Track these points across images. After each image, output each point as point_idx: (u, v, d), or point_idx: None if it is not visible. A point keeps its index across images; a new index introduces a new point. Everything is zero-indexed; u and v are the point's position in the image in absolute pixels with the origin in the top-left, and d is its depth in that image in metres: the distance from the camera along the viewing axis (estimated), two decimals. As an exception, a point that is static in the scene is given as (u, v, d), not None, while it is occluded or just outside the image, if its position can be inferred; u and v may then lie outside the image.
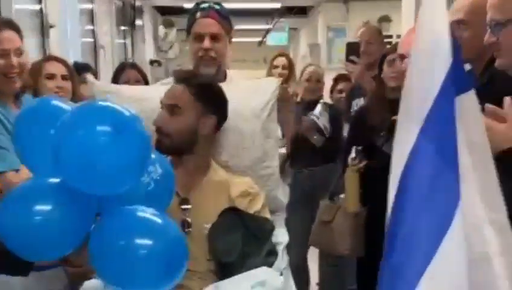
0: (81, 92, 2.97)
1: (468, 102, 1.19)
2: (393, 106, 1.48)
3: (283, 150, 2.73)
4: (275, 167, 2.25)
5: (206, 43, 2.44)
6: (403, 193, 1.15)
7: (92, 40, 6.87)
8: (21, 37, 2.44)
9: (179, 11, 10.59)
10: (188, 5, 10.29)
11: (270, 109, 2.28)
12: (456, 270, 1.10)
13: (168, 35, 10.84)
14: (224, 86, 2.23)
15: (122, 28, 8.70)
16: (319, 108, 3.71)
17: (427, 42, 1.19)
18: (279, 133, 2.51)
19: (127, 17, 8.84)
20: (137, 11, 9.30)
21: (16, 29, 2.43)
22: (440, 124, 1.14)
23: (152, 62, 9.98)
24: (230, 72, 2.62)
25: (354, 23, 8.47)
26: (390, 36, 7.50)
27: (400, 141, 1.21)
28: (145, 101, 2.22)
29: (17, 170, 2.20)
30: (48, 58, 3.20)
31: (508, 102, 1.55)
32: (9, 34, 2.38)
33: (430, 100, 1.14)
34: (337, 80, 4.45)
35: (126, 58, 8.73)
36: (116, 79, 3.57)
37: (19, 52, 2.39)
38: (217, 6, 2.52)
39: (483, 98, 1.54)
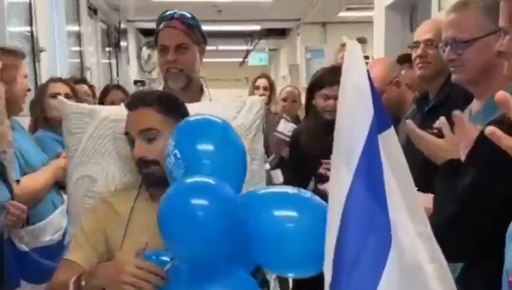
0: (51, 113, 3.03)
1: (389, 137, 1.25)
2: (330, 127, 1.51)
3: (267, 166, 2.63)
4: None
5: (171, 55, 2.32)
6: (344, 234, 1.19)
7: (78, 60, 7.10)
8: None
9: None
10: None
11: (256, 129, 2.14)
12: None
13: (152, 56, 11.09)
14: (207, 104, 2.19)
15: (107, 49, 8.94)
16: (281, 123, 3.40)
17: (351, 93, 1.25)
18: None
19: (112, 38, 9.09)
20: (122, 33, 9.55)
21: (19, 55, 2.68)
22: (369, 162, 1.20)
23: (136, 82, 10.21)
24: (210, 91, 2.50)
25: (332, 45, 8.79)
26: (367, 57, 7.81)
27: (337, 182, 1.26)
28: (122, 122, 1.95)
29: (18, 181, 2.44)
30: (52, 79, 3.40)
31: (442, 120, 1.70)
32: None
33: (360, 144, 1.20)
34: None
35: (111, 78, 8.97)
36: (101, 101, 3.79)
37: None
38: (182, 14, 2.37)
39: (440, 113, 1.80)
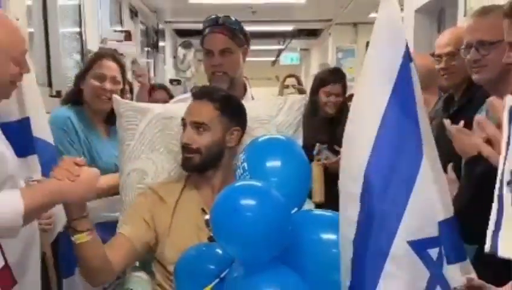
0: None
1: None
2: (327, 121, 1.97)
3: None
4: None
5: (215, 59, 2.41)
6: (377, 154, 1.27)
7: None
8: (122, 70, 2.68)
9: (196, 32, 11.20)
10: (207, 28, 10.93)
11: (296, 125, 2.28)
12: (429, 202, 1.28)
13: (187, 56, 11.40)
14: (252, 103, 2.27)
15: (146, 49, 9.30)
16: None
17: (384, 27, 1.37)
18: None
19: (150, 39, 9.44)
20: (159, 34, 9.90)
21: (118, 62, 2.71)
22: (404, 85, 1.29)
23: (172, 81, 10.54)
24: (251, 91, 2.61)
25: (362, 45, 9.02)
26: None
27: (370, 102, 1.32)
28: (172, 118, 2.18)
29: None
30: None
31: (447, 122, 1.90)
32: (110, 63, 2.66)
33: (396, 67, 1.28)
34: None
35: (149, 77, 9.32)
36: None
37: (114, 81, 2.66)
38: (226, 19, 2.46)
39: (462, 116, 1.99)
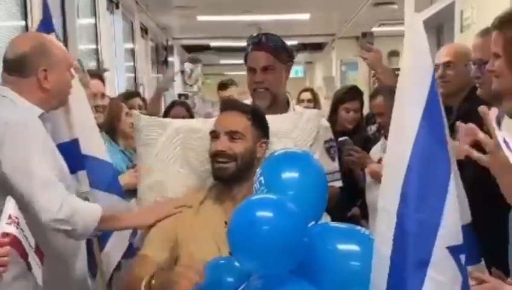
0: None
1: None
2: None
3: (337, 184, 2.76)
4: None
5: (257, 76, 2.47)
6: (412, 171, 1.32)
7: (133, 75, 7.74)
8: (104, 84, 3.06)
9: (203, 48, 11.52)
10: (214, 43, 11.24)
11: (313, 140, 2.26)
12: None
13: (194, 71, 11.68)
14: (269, 117, 2.22)
15: (156, 65, 9.60)
16: None
17: (412, 53, 1.43)
18: (329, 166, 2.51)
19: (160, 55, 9.74)
20: (168, 50, 10.21)
21: (101, 78, 3.12)
22: (432, 107, 1.35)
23: (180, 96, 10.81)
24: (296, 107, 2.67)
25: (365, 57, 9.25)
26: (398, 69, 8.20)
27: (403, 122, 1.38)
28: (192, 132, 2.20)
29: None
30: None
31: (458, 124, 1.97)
32: (96, 82, 2.99)
33: (426, 89, 1.35)
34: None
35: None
36: (166, 114, 4.04)
37: (103, 96, 3.05)
38: (269, 37, 2.51)
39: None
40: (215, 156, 2.01)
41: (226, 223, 1.80)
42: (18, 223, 1.67)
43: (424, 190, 1.33)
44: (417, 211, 1.32)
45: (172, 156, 2.18)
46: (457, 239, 1.32)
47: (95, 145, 2.45)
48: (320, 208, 1.76)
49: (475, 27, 3.60)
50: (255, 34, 2.57)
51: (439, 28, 5.07)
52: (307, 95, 5.17)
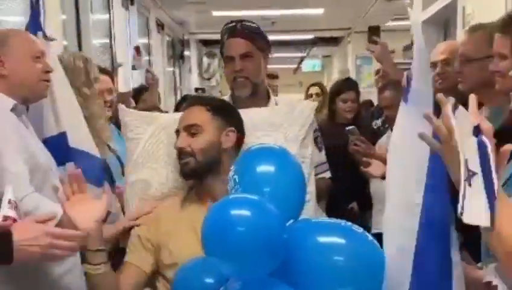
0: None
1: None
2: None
3: (327, 175, 2.70)
4: (310, 192, 2.05)
5: (236, 64, 2.36)
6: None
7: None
8: (112, 79, 3.08)
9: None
10: (230, 38, 11.31)
11: (305, 133, 2.17)
12: None
13: (211, 65, 11.78)
14: (257, 110, 2.19)
15: (172, 59, 9.72)
16: None
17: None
18: (316, 157, 2.41)
19: (176, 50, 9.86)
20: (185, 44, 10.32)
21: (109, 74, 3.12)
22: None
23: (197, 90, 10.90)
24: (276, 98, 2.55)
25: (380, 52, 9.24)
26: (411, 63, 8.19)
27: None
28: (174, 127, 2.05)
29: None
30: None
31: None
32: (104, 78, 2.94)
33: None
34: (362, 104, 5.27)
35: (175, 86, 9.75)
36: (177, 108, 4.06)
37: (111, 91, 3.02)
38: (245, 24, 2.41)
39: None
40: (178, 155, 1.96)
41: None
42: (16, 207, 1.75)
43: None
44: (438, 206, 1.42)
45: (157, 152, 2.11)
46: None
47: (81, 138, 2.48)
48: (298, 205, 1.66)
49: (476, 23, 3.63)
50: (231, 23, 2.44)
51: (446, 23, 5.10)
52: (315, 90, 5.25)
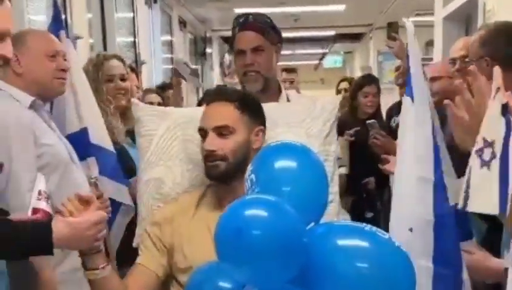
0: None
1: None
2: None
3: (342, 170, 2.67)
4: (334, 193, 1.97)
5: (247, 57, 2.30)
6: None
7: (170, 67, 7.95)
8: (125, 66, 2.93)
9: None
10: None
11: (329, 129, 2.06)
12: None
13: (233, 62, 11.83)
14: (279, 105, 2.14)
15: (194, 56, 9.82)
16: None
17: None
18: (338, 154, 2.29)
19: (199, 47, 9.95)
20: (207, 42, 10.41)
21: (121, 59, 3.02)
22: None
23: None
24: (288, 92, 2.50)
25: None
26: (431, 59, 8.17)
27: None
28: (192, 123, 1.96)
29: None
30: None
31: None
32: (114, 62, 2.90)
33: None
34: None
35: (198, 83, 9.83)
36: (200, 104, 4.30)
37: (124, 78, 2.89)
38: (256, 17, 2.37)
39: None
40: (205, 157, 1.81)
41: None
42: (48, 198, 1.79)
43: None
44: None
45: (171, 149, 2.01)
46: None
47: (100, 134, 2.56)
48: (320, 207, 1.54)
49: (496, 19, 3.66)
50: (242, 17, 2.38)
51: (467, 19, 5.10)
52: (344, 85, 5.26)
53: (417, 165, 1.58)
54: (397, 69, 4.39)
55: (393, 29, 4.21)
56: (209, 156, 1.79)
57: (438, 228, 1.54)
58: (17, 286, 1.79)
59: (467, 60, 2.22)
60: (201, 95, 9.06)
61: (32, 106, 2.16)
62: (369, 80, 4.20)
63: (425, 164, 1.57)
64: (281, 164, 1.53)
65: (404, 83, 4.23)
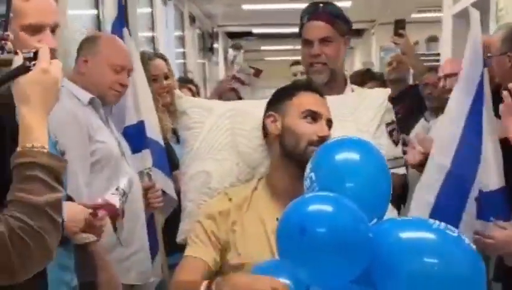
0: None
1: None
2: None
3: (400, 171, 2.40)
4: None
5: (314, 48, 2.24)
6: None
7: (182, 61, 8.15)
8: (168, 64, 3.08)
9: (246, 34, 11.88)
10: (256, 30, 11.57)
11: (379, 122, 2.03)
12: None
13: (237, 58, 11.99)
14: (327, 98, 1.98)
15: (201, 51, 10.00)
16: None
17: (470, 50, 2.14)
18: (391, 151, 2.22)
19: (205, 42, 10.13)
20: (214, 36, 10.59)
21: (164, 58, 3.15)
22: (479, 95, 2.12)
23: (223, 82, 11.13)
24: (353, 86, 2.41)
25: (404, 44, 9.45)
26: (438, 54, 8.33)
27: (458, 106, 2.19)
28: (242, 116, 1.96)
29: None
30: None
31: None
32: (159, 62, 3.04)
33: (476, 79, 2.10)
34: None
35: (205, 78, 10.02)
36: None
37: (167, 76, 3.05)
38: (326, 6, 2.31)
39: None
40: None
41: (277, 219, 1.45)
42: (124, 196, 1.90)
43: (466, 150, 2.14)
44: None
45: (220, 142, 1.95)
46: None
47: (154, 128, 2.68)
48: (384, 204, 1.49)
49: (509, 18, 3.83)
50: (312, 5, 2.35)
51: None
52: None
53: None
54: (390, 64, 4.54)
55: (400, 26, 4.24)
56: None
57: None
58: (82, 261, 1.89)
59: (489, 54, 2.34)
60: (208, 89, 9.23)
61: (90, 103, 2.28)
62: (369, 76, 4.32)
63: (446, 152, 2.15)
64: (342, 158, 1.51)
65: (396, 78, 4.42)
